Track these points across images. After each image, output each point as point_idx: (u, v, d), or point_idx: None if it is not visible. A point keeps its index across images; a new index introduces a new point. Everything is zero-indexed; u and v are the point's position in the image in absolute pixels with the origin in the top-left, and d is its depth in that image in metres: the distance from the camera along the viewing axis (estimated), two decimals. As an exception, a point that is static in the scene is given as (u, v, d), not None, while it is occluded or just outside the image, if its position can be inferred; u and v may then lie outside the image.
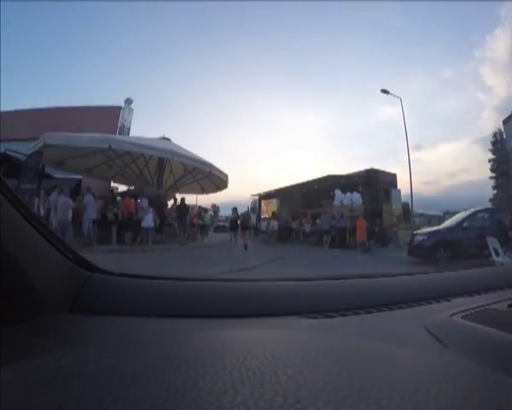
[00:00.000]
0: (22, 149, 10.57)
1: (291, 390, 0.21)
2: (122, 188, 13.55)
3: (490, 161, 25.42)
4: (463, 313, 0.51)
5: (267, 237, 13.60)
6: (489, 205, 15.60)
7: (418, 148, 56.22)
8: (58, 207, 6.55)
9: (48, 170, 9.92)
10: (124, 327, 0.49)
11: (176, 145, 9.48)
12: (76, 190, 8.97)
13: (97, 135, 8.29)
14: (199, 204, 15.30)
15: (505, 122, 23.66)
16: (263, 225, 15.41)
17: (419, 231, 8.21)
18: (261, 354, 0.28)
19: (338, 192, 12.64)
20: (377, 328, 0.51)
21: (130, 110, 16.62)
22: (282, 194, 16.69)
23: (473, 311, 0.53)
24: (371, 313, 0.56)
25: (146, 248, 7.58)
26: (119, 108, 16.27)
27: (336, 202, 12.46)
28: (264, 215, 16.79)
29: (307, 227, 12.77)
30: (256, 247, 10.48)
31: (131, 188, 12.66)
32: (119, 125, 15.76)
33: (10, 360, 0.30)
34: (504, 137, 23.94)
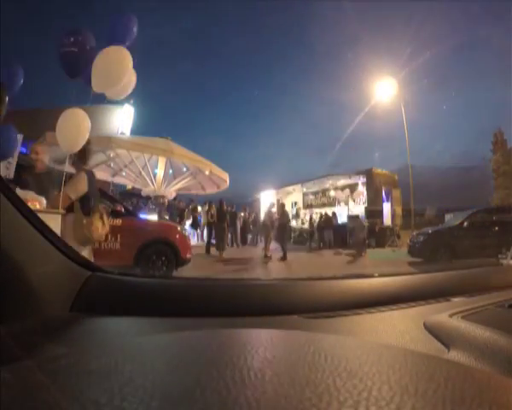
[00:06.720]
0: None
1: (293, 391, 0.21)
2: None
3: (490, 160, 25.38)
4: (463, 313, 0.51)
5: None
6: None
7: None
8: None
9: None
10: (124, 326, 0.49)
11: (176, 145, 9.47)
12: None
13: (97, 134, 8.28)
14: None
15: None
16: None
17: (419, 231, 8.20)
18: (262, 353, 0.28)
19: (338, 192, 12.66)
20: (377, 328, 0.51)
21: (131, 110, 16.61)
22: (281, 193, 16.70)
23: (473, 311, 0.53)
24: (371, 313, 0.56)
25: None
26: (119, 108, 16.26)
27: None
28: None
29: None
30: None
31: (131, 188, 12.62)
32: (119, 124, 15.76)
33: (10, 360, 0.30)
34: (505, 137, 23.90)
